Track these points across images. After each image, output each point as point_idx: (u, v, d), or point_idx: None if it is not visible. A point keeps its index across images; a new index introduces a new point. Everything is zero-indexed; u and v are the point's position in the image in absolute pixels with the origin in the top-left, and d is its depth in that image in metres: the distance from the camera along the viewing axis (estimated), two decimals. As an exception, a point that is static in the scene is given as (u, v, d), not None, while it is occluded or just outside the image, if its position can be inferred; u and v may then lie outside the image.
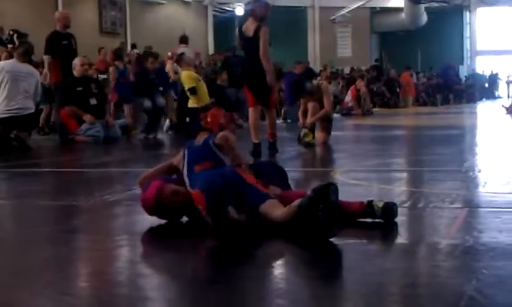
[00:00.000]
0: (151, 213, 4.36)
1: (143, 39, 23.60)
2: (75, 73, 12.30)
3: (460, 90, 33.62)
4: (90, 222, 4.85)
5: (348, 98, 21.80)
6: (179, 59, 14.76)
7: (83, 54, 13.76)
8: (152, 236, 4.25)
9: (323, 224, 3.73)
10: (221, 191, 4.08)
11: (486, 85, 38.64)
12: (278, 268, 3.57)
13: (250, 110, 8.95)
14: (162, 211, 4.33)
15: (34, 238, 4.20)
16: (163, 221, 4.37)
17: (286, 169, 4.90)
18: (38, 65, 13.17)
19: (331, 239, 3.79)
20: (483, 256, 3.50)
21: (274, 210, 4.03)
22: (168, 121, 14.67)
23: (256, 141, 8.62)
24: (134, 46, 22.73)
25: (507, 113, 19.30)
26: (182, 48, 17.00)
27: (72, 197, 5.88)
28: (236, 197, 4.09)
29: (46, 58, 12.49)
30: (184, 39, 18.21)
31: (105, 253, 3.82)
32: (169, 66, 16.92)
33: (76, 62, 12.33)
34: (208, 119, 4.89)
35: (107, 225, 4.75)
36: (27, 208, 5.49)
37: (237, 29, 9.06)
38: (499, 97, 37.34)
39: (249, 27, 8.81)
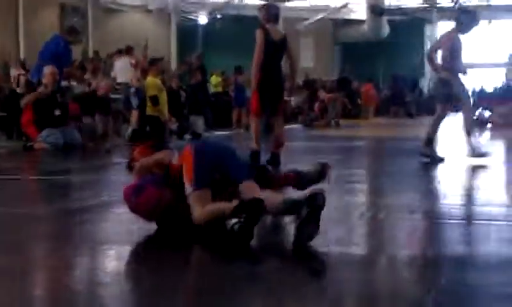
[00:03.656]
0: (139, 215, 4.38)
1: (105, 47, 23.45)
2: (44, 80, 12.20)
3: (417, 102, 33.86)
4: (48, 231, 4.79)
5: (313, 108, 21.95)
6: (153, 64, 14.70)
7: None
8: (112, 245, 4.21)
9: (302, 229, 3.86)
10: (210, 152, 4.37)
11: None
12: (230, 282, 3.55)
13: (254, 119, 8.71)
14: (153, 217, 4.37)
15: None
16: (121, 229, 4.33)
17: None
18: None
19: (290, 249, 3.78)
20: (442, 267, 3.52)
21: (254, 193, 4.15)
22: (130, 129, 14.59)
23: (256, 149, 8.47)
24: (96, 53, 22.60)
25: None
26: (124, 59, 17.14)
27: (34, 205, 5.81)
28: (222, 167, 4.31)
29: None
30: (129, 50, 18.26)
31: (64, 262, 3.77)
32: (131, 74, 16.84)
33: (46, 71, 12.23)
34: (135, 156, 4.84)
35: (70, 233, 4.69)
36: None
37: (261, 31, 8.60)
38: (459, 110, 37.73)
39: (276, 32, 8.62)
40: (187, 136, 14.83)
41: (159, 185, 4.43)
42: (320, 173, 4.96)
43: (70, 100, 13.71)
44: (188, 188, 4.21)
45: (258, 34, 8.50)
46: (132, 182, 4.52)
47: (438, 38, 9.17)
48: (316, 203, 3.87)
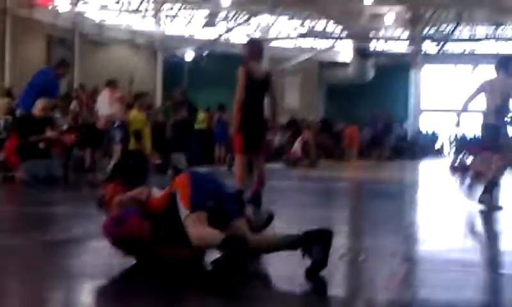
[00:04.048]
0: (117, 244, 4.32)
1: (91, 80, 23.45)
2: (36, 112, 12.19)
3: (399, 146, 34.01)
4: (23, 262, 4.74)
5: (296, 147, 21.93)
6: (138, 98, 14.71)
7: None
8: (88, 279, 4.17)
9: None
10: (206, 179, 4.52)
11: (430, 142, 39.22)
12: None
13: (238, 157, 8.55)
14: (134, 248, 4.32)
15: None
16: (99, 262, 4.29)
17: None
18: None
19: (267, 289, 3.77)
20: (420, 312, 3.51)
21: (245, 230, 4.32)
22: (112, 163, 14.55)
23: (240, 187, 8.36)
24: (81, 86, 22.59)
25: (449, 171, 19.57)
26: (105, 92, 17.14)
27: (10, 235, 5.76)
28: (217, 196, 4.36)
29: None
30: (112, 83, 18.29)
31: (38, 295, 3.73)
32: (117, 108, 16.82)
33: (38, 104, 12.22)
34: (107, 194, 4.76)
35: (44, 265, 4.65)
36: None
37: (243, 69, 8.50)
38: (441, 155, 37.93)
39: (260, 70, 8.61)
40: (169, 172, 14.80)
41: (141, 216, 4.40)
42: (267, 221, 5.46)
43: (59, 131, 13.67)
44: (185, 211, 4.20)
45: (240, 72, 8.44)
46: (110, 215, 4.46)
47: (480, 85, 8.82)
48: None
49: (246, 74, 8.37)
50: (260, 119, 8.56)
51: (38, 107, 12.23)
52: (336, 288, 4.12)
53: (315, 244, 4.10)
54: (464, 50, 33.95)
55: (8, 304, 3.59)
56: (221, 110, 21.12)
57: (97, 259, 4.33)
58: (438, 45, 32.32)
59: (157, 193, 4.54)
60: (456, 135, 35.44)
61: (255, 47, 8.73)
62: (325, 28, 32.06)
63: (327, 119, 30.94)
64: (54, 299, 3.70)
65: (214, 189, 4.39)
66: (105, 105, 16.80)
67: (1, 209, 8.09)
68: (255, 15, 31.25)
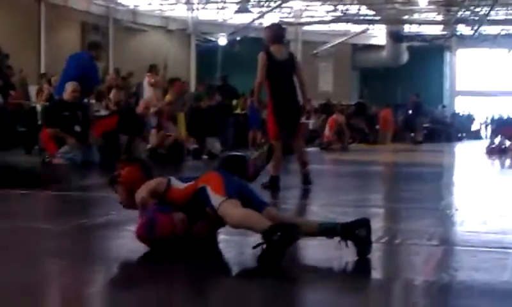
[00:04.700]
0: (151, 244, 4.34)
1: (125, 65, 23.58)
2: (65, 96, 12.26)
3: (435, 129, 33.73)
4: (66, 246, 4.80)
5: (328, 131, 21.86)
6: (172, 84, 14.72)
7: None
8: (128, 262, 4.21)
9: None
10: (233, 177, 4.48)
11: (466, 125, 38.90)
12: (248, 300, 3.53)
13: (275, 144, 8.47)
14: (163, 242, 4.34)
15: (6, 261, 4.14)
16: (140, 247, 4.32)
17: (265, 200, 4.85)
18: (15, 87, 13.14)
19: (304, 273, 3.77)
20: (459, 294, 3.49)
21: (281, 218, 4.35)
22: (147, 147, 14.65)
23: (275, 175, 8.36)
24: (117, 71, 22.73)
25: (486, 154, 19.42)
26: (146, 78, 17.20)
27: (48, 220, 5.83)
28: (244, 193, 4.37)
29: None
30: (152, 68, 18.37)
31: (79, 278, 3.78)
32: (151, 93, 16.94)
33: (68, 87, 12.27)
34: (122, 176, 4.77)
35: (83, 249, 4.70)
36: (1, 230, 5.43)
37: (263, 54, 8.48)
38: (478, 138, 37.62)
39: (282, 52, 8.46)
40: (204, 157, 14.85)
41: (166, 211, 4.40)
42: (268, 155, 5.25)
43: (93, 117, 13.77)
44: (220, 198, 4.21)
45: (260, 57, 8.40)
46: (139, 221, 4.42)
47: None
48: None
49: (267, 58, 8.34)
50: (292, 102, 8.51)
51: (68, 90, 12.29)
52: (374, 271, 4.11)
53: (357, 229, 4.14)
54: (500, 32, 33.48)
55: (47, 285, 3.64)
56: (252, 94, 21.09)
57: (134, 243, 4.36)
58: (472, 27, 31.92)
59: (178, 184, 4.54)
60: (493, 118, 35.12)
61: (275, 30, 8.69)
62: (358, 11, 31.83)
63: (363, 103, 30.71)
64: (92, 281, 3.75)
65: (241, 185, 4.45)
66: (145, 91, 16.95)
67: (39, 194, 8.18)
68: (288, -1, 31.14)
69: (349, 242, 4.13)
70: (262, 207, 4.34)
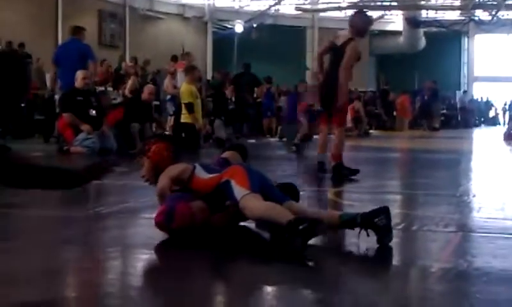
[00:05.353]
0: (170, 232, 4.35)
1: (142, 53, 23.63)
2: (77, 84, 12.33)
3: (452, 115, 33.59)
4: (83, 234, 4.82)
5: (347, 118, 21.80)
6: (188, 71, 14.70)
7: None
8: (145, 249, 4.22)
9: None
10: (256, 172, 4.47)
11: (483, 111, 38.71)
12: (268, 288, 3.54)
13: (321, 127, 8.51)
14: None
15: (26, 248, 4.18)
16: (158, 234, 4.34)
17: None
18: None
19: (324, 260, 3.77)
20: (476, 280, 3.49)
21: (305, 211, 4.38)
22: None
23: (320, 160, 8.48)
24: (135, 59, 22.80)
25: (504, 140, 19.31)
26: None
27: (65, 208, 5.86)
28: (265, 188, 4.36)
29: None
30: (173, 58, 18.46)
31: (97, 264, 3.80)
32: (167, 81, 16.99)
33: (78, 74, 12.34)
34: (152, 151, 4.76)
35: (100, 236, 4.73)
36: (19, 218, 5.47)
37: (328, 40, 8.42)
38: (496, 123, 37.42)
39: (341, 37, 8.30)
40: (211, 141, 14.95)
41: (186, 199, 4.41)
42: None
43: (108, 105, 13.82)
44: (244, 191, 4.22)
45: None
46: (159, 208, 4.43)
47: None
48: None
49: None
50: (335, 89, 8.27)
51: (79, 78, 12.36)
52: (391, 257, 4.11)
53: (377, 217, 4.15)
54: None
55: (65, 273, 3.67)
56: (268, 82, 21.13)
57: (151, 230, 4.38)
58: (490, 12, 31.69)
59: (202, 173, 4.53)
60: (511, 103, 34.92)
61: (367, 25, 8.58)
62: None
63: (387, 89, 30.55)
64: (110, 268, 3.76)
65: (262, 179, 4.46)
66: (178, 80, 17.05)
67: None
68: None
69: (370, 231, 4.13)
70: (283, 201, 4.35)
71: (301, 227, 3.82)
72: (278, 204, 4.20)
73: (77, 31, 13.72)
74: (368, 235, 4.12)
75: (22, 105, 13.71)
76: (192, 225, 4.31)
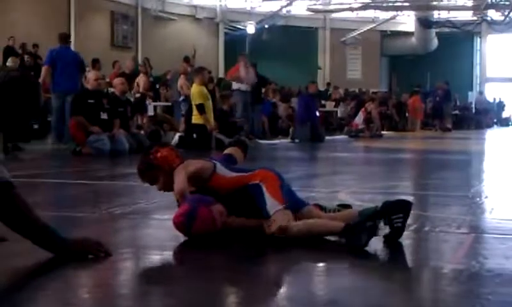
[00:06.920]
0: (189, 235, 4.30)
1: (153, 54, 23.68)
2: (89, 86, 12.38)
3: (464, 116, 33.47)
4: (95, 234, 4.83)
5: (359, 119, 21.79)
6: (198, 72, 14.70)
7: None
8: (157, 250, 4.23)
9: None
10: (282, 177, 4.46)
11: (496, 112, 38.55)
12: (280, 288, 3.54)
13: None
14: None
15: (38, 249, 4.18)
16: (170, 235, 4.34)
17: (293, 188, 4.81)
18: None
19: (335, 260, 3.78)
20: (488, 282, 3.47)
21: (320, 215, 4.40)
22: (177, 136, 14.73)
23: None
24: (147, 60, 22.84)
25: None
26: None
27: (77, 208, 5.88)
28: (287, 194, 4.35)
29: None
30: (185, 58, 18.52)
31: (109, 265, 3.81)
32: (182, 81, 17.04)
33: (90, 76, 12.40)
34: (159, 156, 4.56)
35: (112, 237, 4.73)
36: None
37: None
38: (509, 124, 37.27)
39: None
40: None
41: (206, 202, 4.29)
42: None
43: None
44: (277, 205, 4.20)
45: None
46: (179, 209, 4.33)
47: None
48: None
49: None
50: None
51: (91, 79, 12.43)
52: (402, 258, 4.10)
53: (395, 212, 4.18)
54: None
55: (78, 273, 3.67)
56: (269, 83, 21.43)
57: (163, 231, 4.38)
58: (503, 12, 31.58)
59: (224, 171, 4.47)
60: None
61: None
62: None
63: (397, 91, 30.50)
64: (122, 269, 3.77)
65: (286, 185, 4.44)
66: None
67: (69, 182, 8.25)
68: (317, -14, 31.04)
69: (383, 224, 4.16)
70: (303, 206, 4.33)
71: (368, 224, 3.95)
72: (311, 219, 4.22)
73: (68, 39, 14.36)
74: (385, 224, 4.17)
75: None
76: (212, 230, 4.24)
